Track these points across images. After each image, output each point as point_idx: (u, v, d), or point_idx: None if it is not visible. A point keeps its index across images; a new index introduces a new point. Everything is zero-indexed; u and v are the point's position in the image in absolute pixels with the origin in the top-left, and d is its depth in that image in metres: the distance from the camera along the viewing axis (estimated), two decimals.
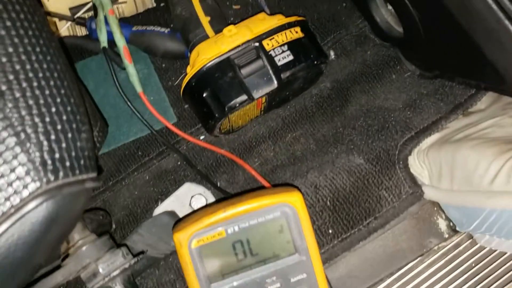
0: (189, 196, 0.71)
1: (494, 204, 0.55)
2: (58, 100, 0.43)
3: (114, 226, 0.73)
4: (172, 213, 0.70)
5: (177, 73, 0.80)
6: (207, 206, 0.69)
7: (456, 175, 0.61)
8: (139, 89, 0.75)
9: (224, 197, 0.71)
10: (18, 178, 0.39)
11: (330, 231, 0.66)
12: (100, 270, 0.56)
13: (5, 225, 0.39)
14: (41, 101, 0.42)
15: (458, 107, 0.68)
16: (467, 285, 0.68)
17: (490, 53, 0.55)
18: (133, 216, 0.73)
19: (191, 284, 0.54)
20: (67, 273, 0.55)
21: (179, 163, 0.75)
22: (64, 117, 0.42)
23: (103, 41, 0.75)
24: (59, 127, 0.42)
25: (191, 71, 0.66)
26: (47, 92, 0.42)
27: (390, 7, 0.72)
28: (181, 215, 0.70)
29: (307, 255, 0.55)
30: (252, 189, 0.71)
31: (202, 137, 0.76)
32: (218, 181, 0.73)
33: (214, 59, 0.64)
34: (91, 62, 0.80)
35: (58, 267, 0.56)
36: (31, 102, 0.41)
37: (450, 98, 0.70)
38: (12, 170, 0.39)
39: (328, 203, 0.68)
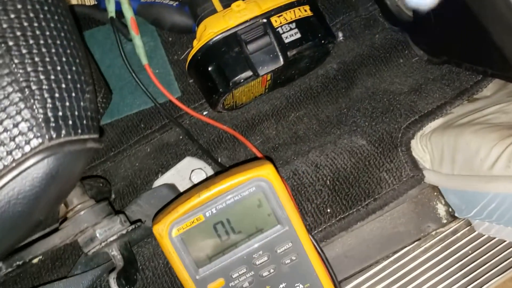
0: (190, 170, 0.71)
1: (493, 188, 0.54)
2: (64, 59, 0.43)
3: (113, 196, 0.73)
4: (171, 186, 0.70)
5: (183, 47, 0.79)
6: (184, 192, 0.68)
7: (457, 159, 0.61)
8: (144, 61, 0.74)
9: (220, 170, 0.71)
10: (20, 133, 0.39)
11: (329, 210, 0.66)
12: (97, 235, 0.56)
13: (6, 179, 0.39)
14: (47, 59, 0.41)
15: (464, 92, 0.68)
16: (462, 271, 0.68)
17: (498, 39, 0.55)
18: (133, 187, 0.73)
19: (179, 273, 0.54)
20: (65, 235, 0.55)
21: (181, 137, 0.76)
22: (69, 76, 0.42)
23: (111, 11, 0.75)
24: (63, 85, 0.42)
25: (197, 44, 0.66)
26: (53, 50, 0.42)
27: None
28: (180, 188, 0.71)
29: (290, 224, 0.55)
30: (230, 167, 0.72)
31: (205, 113, 0.76)
32: (219, 156, 0.73)
33: (221, 33, 0.64)
34: (98, 32, 0.80)
35: (56, 230, 0.56)
36: (37, 59, 0.41)
37: (456, 83, 0.70)
38: (15, 125, 0.39)
39: (328, 182, 0.68)
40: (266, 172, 0.53)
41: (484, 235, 0.69)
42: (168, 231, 0.53)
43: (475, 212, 0.63)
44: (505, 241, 0.68)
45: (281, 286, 0.55)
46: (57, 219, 0.59)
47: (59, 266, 0.69)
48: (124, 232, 0.58)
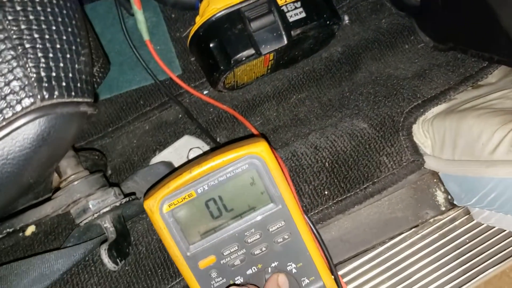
0: (187, 148, 0.70)
1: (494, 172, 0.53)
2: (60, 19, 0.42)
3: (110, 171, 0.72)
4: (168, 164, 0.69)
5: (186, 24, 0.78)
6: (177, 168, 0.68)
7: (458, 144, 0.60)
8: (146, 36, 0.74)
9: (215, 147, 0.71)
10: (12, 92, 0.38)
11: (326, 192, 0.65)
12: (90, 206, 0.55)
13: None
14: (42, 18, 0.41)
15: (468, 79, 0.67)
16: (459, 260, 0.67)
17: (506, 23, 0.54)
18: (129, 163, 0.73)
19: (170, 249, 0.53)
20: (57, 205, 0.54)
21: (180, 116, 0.75)
22: (64, 37, 0.42)
23: None
24: (58, 46, 0.41)
25: (200, 20, 0.65)
26: (48, 9, 0.41)
27: None
28: (177, 165, 0.70)
29: (283, 202, 0.54)
30: (224, 144, 0.71)
31: (205, 92, 0.75)
32: (218, 136, 0.73)
33: (224, 9, 0.63)
34: (100, 6, 0.79)
35: (49, 199, 0.56)
36: (31, 17, 0.40)
37: (461, 70, 0.68)
38: (7, 83, 0.38)
39: (327, 164, 0.66)
40: (259, 150, 0.52)
41: (482, 224, 0.68)
42: (159, 207, 0.52)
43: (476, 200, 0.62)
44: (503, 231, 0.67)
45: (273, 264, 0.55)
46: (50, 188, 0.58)
47: (52, 240, 0.68)
48: (117, 204, 0.57)
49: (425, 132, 0.66)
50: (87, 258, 0.66)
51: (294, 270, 0.55)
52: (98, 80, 0.62)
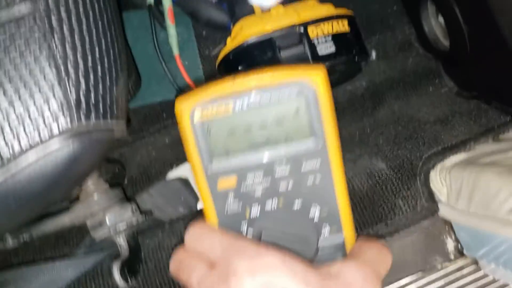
0: None
1: (508, 232, 0.54)
2: (103, 46, 0.43)
3: (126, 181, 0.73)
4: (185, 181, 0.69)
5: (216, 43, 0.79)
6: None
7: (475, 198, 0.60)
8: (176, 51, 0.74)
9: None
10: (50, 111, 0.39)
11: None
12: (107, 221, 0.56)
13: (30, 158, 0.39)
14: (87, 44, 0.41)
15: (490, 131, 0.67)
16: None
17: None
18: (146, 176, 0.73)
19: (191, 158, 0.45)
20: (75, 217, 0.55)
21: None
22: (106, 64, 0.42)
23: None
24: (99, 72, 0.42)
25: (231, 43, 0.65)
26: (94, 36, 0.42)
27: (441, 18, 0.70)
28: (193, 184, 0.70)
29: (324, 142, 0.43)
30: None
31: None
32: None
33: (256, 36, 0.64)
34: (134, 16, 0.80)
35: (66, 209, 0.56)
36: (78, 42, 0.41)
37: (483, 120, 0.69)
38: (46, 101, 0.39)
39: None
40: (315, 77, 0.43)
41: (489, 276, 0.68)
42: (190, 113, 0.44)
43: (484, 252, 0.62)
44: (509, 285, 0.67)
45: (296, 202, 0.47)
46: (69, 198, 0.59)
47: (62, 244, 0.69)
48: (134, 222, 0.57)
49: (442, 180, 0.67)
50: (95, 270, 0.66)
51: (317, 213, 0.49)
52: (129, 97, 0.63)
